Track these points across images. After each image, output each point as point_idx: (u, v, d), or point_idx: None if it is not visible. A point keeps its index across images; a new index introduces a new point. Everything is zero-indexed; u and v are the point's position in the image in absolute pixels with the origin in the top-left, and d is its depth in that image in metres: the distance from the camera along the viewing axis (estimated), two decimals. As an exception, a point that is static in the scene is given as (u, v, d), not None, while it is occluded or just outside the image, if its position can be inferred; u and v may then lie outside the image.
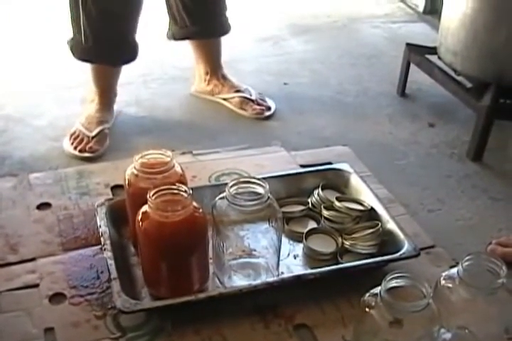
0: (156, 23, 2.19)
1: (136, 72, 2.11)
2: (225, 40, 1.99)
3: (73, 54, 1.77)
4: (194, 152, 1.54)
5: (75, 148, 1.72)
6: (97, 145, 1.73)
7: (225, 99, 1.98)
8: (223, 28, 1.95)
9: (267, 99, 1.99)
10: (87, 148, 1.72)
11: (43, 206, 1.34)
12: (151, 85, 2.12)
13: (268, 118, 1.92)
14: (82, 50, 1.74)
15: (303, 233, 1.23)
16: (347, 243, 1.20)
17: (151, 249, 1.04)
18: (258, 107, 1.93)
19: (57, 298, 1.11)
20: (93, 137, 1.74)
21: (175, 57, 2.26)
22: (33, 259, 1.19)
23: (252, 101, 1.94)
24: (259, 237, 1.08)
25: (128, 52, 1.79)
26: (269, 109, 1.95)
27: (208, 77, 2.00)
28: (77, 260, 1.19)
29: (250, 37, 2.51)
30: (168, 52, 2.27)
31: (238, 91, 1.97)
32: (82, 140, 1.74)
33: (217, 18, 1.92)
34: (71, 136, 1.76)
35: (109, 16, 1.67)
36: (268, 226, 1.05)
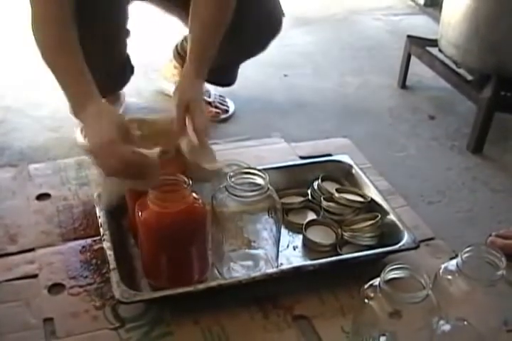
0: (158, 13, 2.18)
1: (137, 63, 2.09)
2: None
3: None
4: (194, 143, 1.54)
5: None
6: None
7: None
8: (226, 80, 1.89)
9: (227, 101, 1.96)
10: None
11: (43, 196, 1.34)
12: (152, 76, 2.11)
13: (225, 120, 1.89)
14: None
15: (302, 224, 1.23)
16: (346, 234, 1.20)
17: (150, 240, 1.04)
18: (214, 110, 1.90)
19: (56, 288, 1.11)
20: None
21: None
22: (32, 249, 1.19)
23: (209, 103, 1.92)
24: (259, 228, 1.08)
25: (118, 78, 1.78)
26: (226, 111, 1.92)
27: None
28: (77, 250, 1.19)
29: (251, 28, 2.50)
30: (169, 42, 2.26)
31: None
32: None
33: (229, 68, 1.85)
34: (82, 129, 1.75)
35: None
36: (268, 217, 1.05)
